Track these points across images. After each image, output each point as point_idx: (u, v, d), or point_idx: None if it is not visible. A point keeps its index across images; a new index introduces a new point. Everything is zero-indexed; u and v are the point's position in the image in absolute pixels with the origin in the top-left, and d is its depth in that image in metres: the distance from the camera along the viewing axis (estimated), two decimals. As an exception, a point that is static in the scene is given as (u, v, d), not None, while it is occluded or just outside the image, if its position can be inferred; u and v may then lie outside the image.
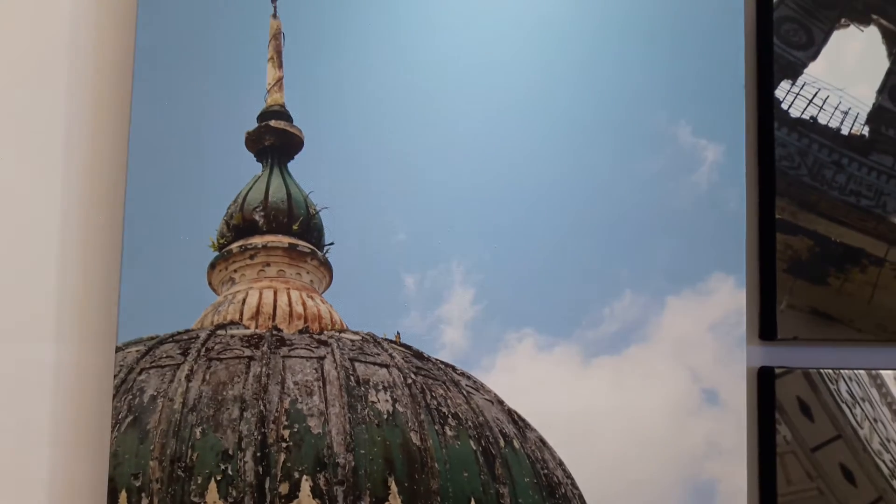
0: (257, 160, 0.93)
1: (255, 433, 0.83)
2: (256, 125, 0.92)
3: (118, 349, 0.86)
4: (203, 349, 0.86)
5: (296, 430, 0.84)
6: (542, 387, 0.91)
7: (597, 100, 0.95)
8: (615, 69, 0.96)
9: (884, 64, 0.99)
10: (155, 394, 0.85)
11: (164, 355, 0.86)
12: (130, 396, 0.85)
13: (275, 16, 0.94)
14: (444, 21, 0.94)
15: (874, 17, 0.99)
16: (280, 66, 0.94)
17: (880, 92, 0.99)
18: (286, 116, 0.93)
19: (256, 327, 0.89)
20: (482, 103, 0.94)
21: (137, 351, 0.86)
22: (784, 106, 0.98)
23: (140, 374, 0.85)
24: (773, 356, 0.98)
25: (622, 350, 0.94)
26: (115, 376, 0.85)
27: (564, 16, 0.96)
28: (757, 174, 0.99)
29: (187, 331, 0.87)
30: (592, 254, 0.94)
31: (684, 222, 0.96)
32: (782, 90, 0.98)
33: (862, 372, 0.96)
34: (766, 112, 0.99)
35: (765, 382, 0.95)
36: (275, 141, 0.92)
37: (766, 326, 0.96)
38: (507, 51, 0.95)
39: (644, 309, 0.94)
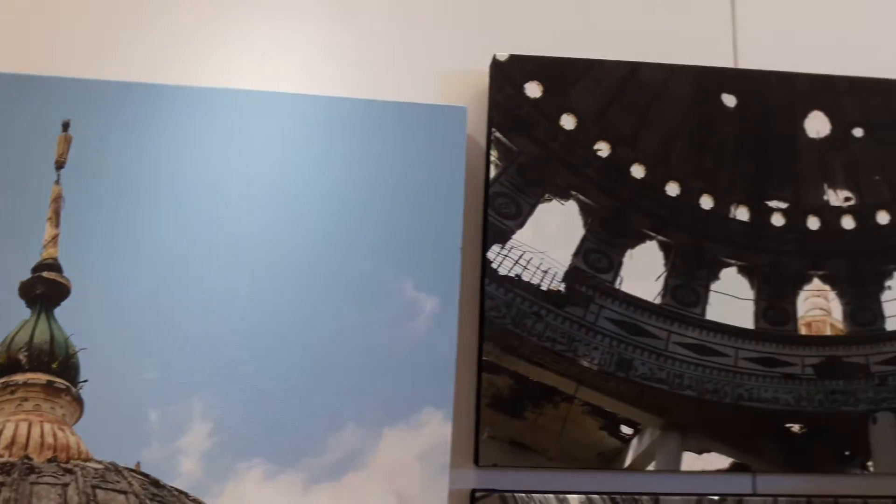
0: (27, 306, 1.09)
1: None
2: (30, 276, 1.08)
3: None
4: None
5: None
6: (266, 510, 1.06)
7: (336, 259, 1.15)
8: (353, 233, 1.16)
9: (580, 232, 1.22)
10: None
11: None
12: None
13: (57, 182, 1.11)
14: (194, 186, 1.13)
15: (573, 193, 1.22)
16: (57, 224, 1.11)
17: (576, 255, 1.21)
18: (57, 268, 1.10)
19: (10, 456, 1.03)
20: (230, 262, 1.12)
21: None
22: (494, 266, 1.19)
23: None
24: (476, 480, 1.16)
25: (341, 477, 1.11)
26: None
27: (308, 187, 1.16)
28: (468, 323, 1.19)
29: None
30: (322, 391, 1.12)
31: (404, 363, 1.14)
32: (493, 252, 1.19)
33: (551, 495, 1.15)
34: (479, 271, 1.20)
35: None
36: (45, 290, 1.08)
37: (464, 454, 1.14)
38: (260, 218, 1.14)
39: (363, 440, 1.12)
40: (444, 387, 1.14)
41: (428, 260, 1.16)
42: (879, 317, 1.24)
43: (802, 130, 1.28)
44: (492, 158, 1.21)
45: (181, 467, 1.06)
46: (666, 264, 1.22)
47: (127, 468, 1.04)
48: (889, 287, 1.25)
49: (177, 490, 1.05)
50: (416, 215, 1.17)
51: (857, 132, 1.29)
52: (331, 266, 1.14)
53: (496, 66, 1.24)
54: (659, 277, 1.22)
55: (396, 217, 1.17)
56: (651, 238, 1.22)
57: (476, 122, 1.26)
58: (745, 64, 1.34)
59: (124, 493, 1.03)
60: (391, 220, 1.17)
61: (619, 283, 1.20)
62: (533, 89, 1.24)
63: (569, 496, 1.15)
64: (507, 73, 1.24)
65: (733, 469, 1.18)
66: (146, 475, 1.04)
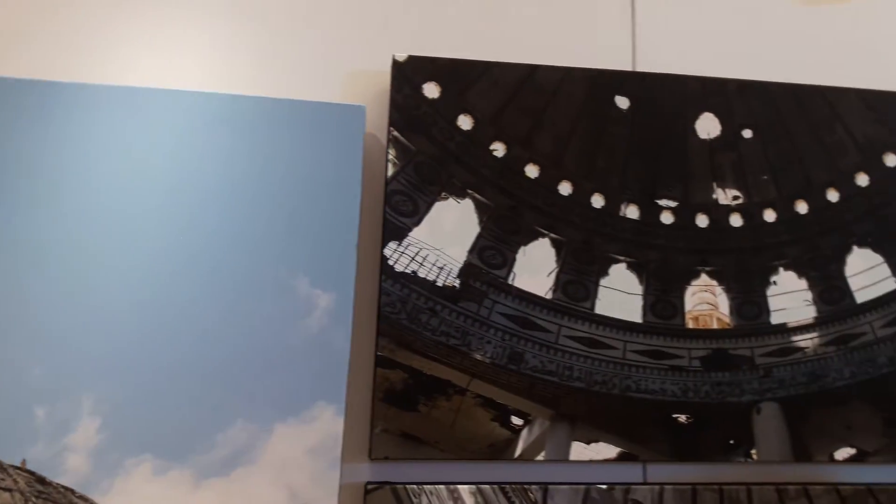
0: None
1: None
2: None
3: None
4: None
5: None
6: (156, 506, 1.07)
7: (231, 256, 1.16)
8: (249, 230, 1.17)
9: (475, 229, 1.24)
10: None
11: None
12: None
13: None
14: (93, 184, 1.14)
15: (469, 191, 1.25)
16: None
17: (470, 252, 1.24)
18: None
19: None
20: (123, 258, 1.13)
21: None
22: (391, 262, 1.21)
23: None
24: (370, 474, 1.18)
25: (230, 472, 1.12)
26: None
27: (205, 184, 1.17)
28: (366, 319, 1.21)
29: None
30: (213, 387, 1.13)
31: (297, 359, 1.16)
32: (390, 249, 1.21)
33: (442, 486, 1.18)
34: (377, 267, 1.22)
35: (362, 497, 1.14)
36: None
37: (360, 448, 1.17)
38: (156, 214, 1.15)
39: (253, 435, 1.13)
40: (337, 382, 1.16)
41: (324, 257, 1.18)
42: (765, 311, 1.29)
43: (693, 132, 1.32)
44: (390, 157, 1.23)
45: (68, 464, 1.06)
46: (557, 261, 1.25)
47: (12, 466, 1.04)
48: (774, 282, 1.30)
49: (63, 487, 1.06)
50: (314, 213, 1.19)
51: (747, 133, 1.34)
52: (226, 263, 1.15)
53: (396, 66, 1.26)
54: (550, 273, 1.25)
55: (294, 214, 1.19)
56: (544, 235, 1.26)
57: (378, 121, 1.28)
58: (643, 67, 1.38)
59: (9, 490, 1.03)
60: (288, 217, 1.19)
61: (513, 279, 1.24)
62: (431, 90, 1.26)
63: (460, 487, 1.18)
64: (405, 74, 1.26)
65: (621, 458, 1.22)
66: (31, 472, 1.05)
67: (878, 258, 1.33)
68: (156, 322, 1.11)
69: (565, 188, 1.27)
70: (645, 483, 1.24)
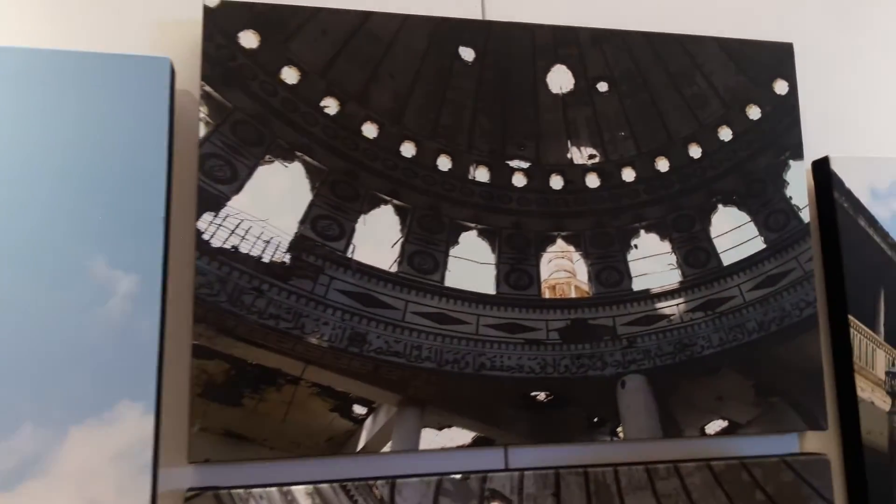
0: None
1: None
2: None
3: None
4: None
5: None
6: None
7: (16, 232, 0.97)
8: (38, 202, 0.99)
9: (307, 197, 1.08)
10: None
11: None
12: None
13: None
14: None
15: (298, 154, 1.08)
16: None
17: (302, 222, 1.07)
18: None
19: None
20: None
21: None
22: (206, 237, 1.03)
23: None
24: (192, 478, 1.01)
25: (16, 486, 0.93)
26: None
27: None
28: (181, 303, 1.03)
29: None
30: (-10, 389, 0.93)
31: (94, 353, 0.97)
32: (205, 222, 1.04)
33: (273, 489, 1.02)
34: (189, 243, 1.04)
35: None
36: None
37: (180, 450, 0.99)
38: None
39: (44, 442, 0.94)
40: (144, 377, 0.99)
41: (125, 233, 1.01)
42: (626, 276, 1.18)
43: (545, 85, 1.20)
44: (202, 115, 1.05)
45: None
46: (402, 230, 1.11)
47: None
48: (635, 246, 1.20)
49: None
50: (113, 182, 1.02)
51: (602, 86, 1.23)
52: (9, 240, 0.96)
53: (207, 13, 1.09)
54: (395, 244, 1.11)
55: (90, 183, 1.01)
56: (386, 202, 1.11)
57: (193, 76, 1.10)
58: (490, 15, 1.25)
59: None
60: (82, 186, 1.00)
61: (352, 252, 1.09)
62: (248, 39, 1.10)
63: (294, 488, 1.02)
64: (218, 22, 1.09)
65: (477, 444, 1.09)
66: None
67: (744, 216, 1.25)
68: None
69: (408, 149, 1.13)
70: (505, 470, 1.12)
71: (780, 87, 1.30)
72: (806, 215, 1.26)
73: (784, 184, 1.27)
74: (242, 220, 1.07)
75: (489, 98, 1.17)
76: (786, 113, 1.29)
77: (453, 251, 1.14)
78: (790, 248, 1.25)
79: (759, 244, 1.24)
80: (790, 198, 1.27)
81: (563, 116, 1.20)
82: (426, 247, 1.13)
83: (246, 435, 1.03)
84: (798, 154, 1.28)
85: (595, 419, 1.15)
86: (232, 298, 1.05)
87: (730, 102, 1.27)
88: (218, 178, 1.07)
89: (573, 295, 1.17)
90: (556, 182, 1.19)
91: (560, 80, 1.21)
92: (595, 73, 1.22)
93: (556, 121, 1.20)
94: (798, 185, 1.27)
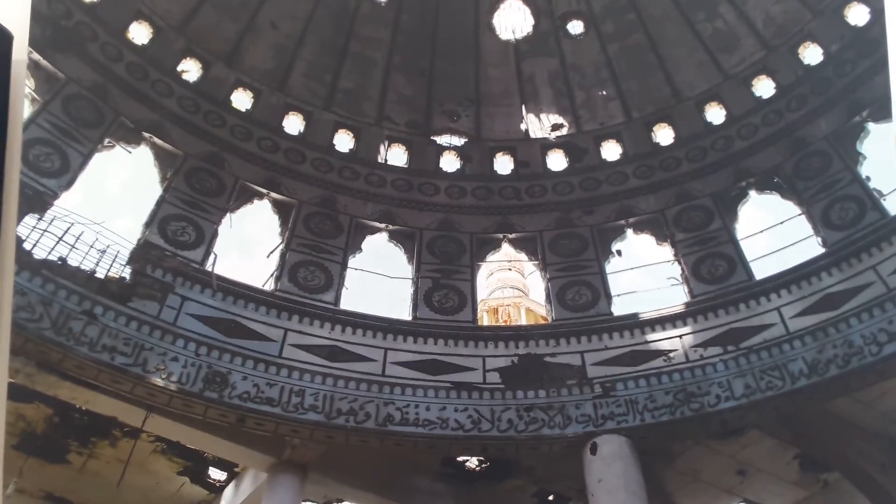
0: None
1: None
2: None
3: None
4: None
5: None
6: None
7: None
8: None
9: (155, 191, 0.81)
10: None
11: None
12: None
13: None
14: None
15: (147, 135, 0.81)
16: None
17: (148, 225, 0.81)
18: None
19: None
20: None
21: None
22: (28, 246, 0.79)
23: None
24: (-8, 555, 0.78)
25: None
26: None
27: None
28: (-12, 330, 0.79)
29: None
30: None
31: None
32: (27, 227, 0.79)
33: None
34: (7, 255, 0.79)
35: None
36: None
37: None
38: None
39: None
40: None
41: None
42: (603, 296, 0.86)
43: (490, 29, 0.85)
44: (28, 90, 0.79)
45: None
46: (283, 233, 0.82)
47: None
48: (618, 252, 0.84)
49: None
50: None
51: (575, 27, 0.86)
52: None
53: (39, -42, 0.81)
54: (272, 252, 0.82)
55: None
56: (261, 196, 0.82)
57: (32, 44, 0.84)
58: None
59: None
60: None
61: (213, 264, 0.81)
62: (84, -12, 0.82)
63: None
64: (49, -32, 0.82)
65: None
66: None
67: (790, 207, 0.84)
68: None
69: (295, 123, 0.82)
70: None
71: (857, 14, 0.86)
72: (894, 204, 0.83)
73: (858, 158, 0.84)
74: (74, 224, 0.80)
75: (409, 50, 0.83)
76: (864, 53, 0.85)
77: (353, 261, 0.83)
78: (864, 255, 0.83)
79: (813, 248, 0.83)
80: (867, 178, 0.84)
81: (515, 72, 0.84)
82: (316, 256, 0.82)
83: (72, 501, 0.77)
84: (882, 113, 0.84)
85: (550, 497, 0.80)
86: (57, 325, 0.79)
87: (772, 41, 0.85)
88: (44, 170, 0.80)
89: (523, 321, 0.84)
90: (504, 164, 0.84)
91: (513, 20, 0.85)
92: (564, 7, 0.84)
93: (505, 78, 0.84)
94: (881, 160, 0.83)
